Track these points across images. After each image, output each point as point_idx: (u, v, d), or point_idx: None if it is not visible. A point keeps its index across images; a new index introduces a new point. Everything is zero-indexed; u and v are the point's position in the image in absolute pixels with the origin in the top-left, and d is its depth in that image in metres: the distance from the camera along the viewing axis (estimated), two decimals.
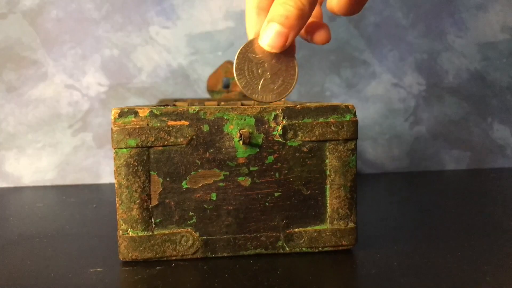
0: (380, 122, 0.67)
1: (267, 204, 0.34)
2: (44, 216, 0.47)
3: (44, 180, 0.61)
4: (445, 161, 0.68)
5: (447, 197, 0.53)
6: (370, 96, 0.66)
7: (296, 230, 0.35)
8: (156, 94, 0.62)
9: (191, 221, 0.34)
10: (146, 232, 0.33)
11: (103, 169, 0.62)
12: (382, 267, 0.33)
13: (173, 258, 0.34)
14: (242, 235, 0.34)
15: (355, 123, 0.35)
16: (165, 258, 0.34)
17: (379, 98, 0.66)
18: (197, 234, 0.34)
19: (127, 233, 0.33)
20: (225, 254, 0.34)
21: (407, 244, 0.37)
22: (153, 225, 0.34)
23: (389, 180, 0.62)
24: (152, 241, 0.33)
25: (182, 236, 0.34)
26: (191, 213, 0.34)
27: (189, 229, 0.34)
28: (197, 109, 0.33)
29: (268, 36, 0.32)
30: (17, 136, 0.60)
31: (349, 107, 0.35)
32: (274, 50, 0.33)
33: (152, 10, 0.61)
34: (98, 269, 0.33)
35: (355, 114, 0.35)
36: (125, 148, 0.33)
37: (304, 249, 0.35)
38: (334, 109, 0.34)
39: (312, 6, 0.32)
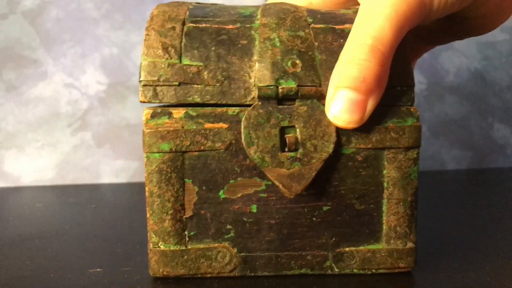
0: None
1: (314, 219, 0.30)
2: (44, 216, 0.47)
3: (43, 180, 0.61)
4: (445, 161, 0.68)
5: (447, 197, 0.53)
6: None
7: (347, 249, 0.31)
8: None
9: (229, 235, 0.30)
10: (179, 246, 0.30)
11: (102, 168, 0.61)
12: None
13: (208, 275, 0.31)
14: (286, 253, 0.31)
15: (418, 128, 0.30)
16: (199, 275, 0.31)
17: None
18: (235, 250, 0.30)
19: (158, 247, 0.30)
20: (265, 273, 0.31)
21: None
22: (187, 239, 0.30)
23: None
24: (186, 256, 0.30)
25: (219, 251, 0.30)
26: (228, 227, 0.30)
27: (226, 244, 0.30)
28: (236, 111, 0.30)
29: (338, 107, 0.27)
30: (17, 135, 0.60)
31: (411, 110, 0.30)
32: (349, 126, 0.27)
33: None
34: (98, 269, 0.33)
35: (418, 119, 0.30)
36: (157, 152, 0.29)
37: (355, 270, 0.31)
38: (394, 112, 0.30)
39: (392, 55, 0.25)
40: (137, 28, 0.61)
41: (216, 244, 0.30)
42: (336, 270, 0.31)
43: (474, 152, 0.68)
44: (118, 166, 0.61)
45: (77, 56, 0.60)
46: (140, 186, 0.58)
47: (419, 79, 0.66)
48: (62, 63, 0.60)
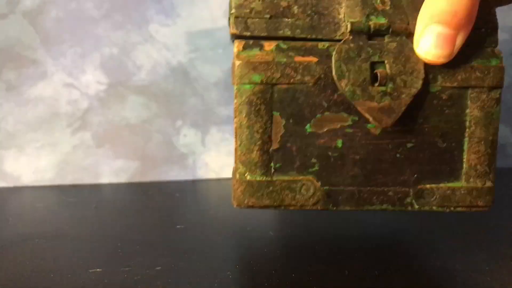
0: None
1: (398, 155, 0.31)
2: (44, 216, 0.47)
3: (43, 180, 0.61)
4: None
5: None
6: None
7: (428, 186, 0.32)
8: (156, 92, 0.62)
9: (313, 169, 0.31)
10: (265, 177, 0.31)
11: (102, 168, 0.61)
12: None
13: (291, 208, 0.31)
14: (368, 188, 0.31)
15: (502, 69, 0.31)
16: (282, 207, 0.31)
17: None
18: (319, 183, 0.31)
19: (245, 177, 0.31)
20: (347, 208, 0.31)
21: (407, 246, 0.37)
22: (273, 170, 0.31)
23: None
24: (271, 188, 0.31)
25: (303, 184, 0.31)
26: (313, 160, 0.31)
27: (311, 178, 0.31)
28: (326, 45, 0.30)
29: (428, 42, 0.27)
30: (16, 135, 0.60)
31: (496, 52, 0.31)
32: (438, 61, 0.28)
33: (152, 9, 0.61)
34: (98, 269, 0.33)
35: (501, 60, 0.32)
36: (248, 84, 0.30)
37: (434, 207, 0.32)
38: (479, 52, 0.31)
39: None
40: (137, 27, 0.61)
41: (300, 177, 0.31)
42: (416, 206, 0.32)
43: None
44: (118, 166, 0.61)
45: (77, 56, 0.60)
46: (140, 186, 0.58)
47: None
48: (62, 63, 0.60)
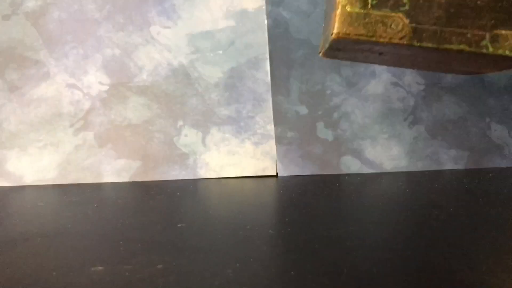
0: (379, 121, 0.67)
1: (478, 2, 0.35)
2: (46, 215, 0.47)
3: (45, 179, 0.61)
4: (443, 161, 0.68)
5: (445, 197, 0.53)
6: (370, 95, 0.66)
7: (503, 32, 0.35)
8: (157, 93, 0.62)
9: (404, 8, 0.35)
10: (363, 10, 0.35)
11: (104, 168, 0.62)
12: None
13: (381, 40, 0.35)
14: (450, 28, 0.35)
15: None
16: (374, 39, 0.35)
17: (378, 97, 0.66)
18: (408, 20, 0.35)
19: (346, 9, 0.35)
20: (429, 45, 0.35)
21: (405, 244, 0.37)
22: (369, 6, 0.35)
23: (388, 180, 0.62)
24: (367, 19, 0.35)
25: (394, 20, 0.35)
26: (405, 0, 0.35)
27: (401, 15, 0.35)
28: None
29: None
30: (19, 135, 0.61)
31: None
32: None
33: (153, 10, 0.62)
34: (99, 267, 0.33)
35: None
36: None
37: (507, 52, 0.35)
38: None
39: None
40: (139, 29, 0.61)
41: (392, 14, 0.35)
42: (491, 49, 0.35)
43: (472, 152, 0.69)
44: (119, 165, 0.62)
45: (79, 57, 0.61)
46: (142, 186, 0.59)
47: (417, 80, 0.67)
48: (64, 63, 0.61)
